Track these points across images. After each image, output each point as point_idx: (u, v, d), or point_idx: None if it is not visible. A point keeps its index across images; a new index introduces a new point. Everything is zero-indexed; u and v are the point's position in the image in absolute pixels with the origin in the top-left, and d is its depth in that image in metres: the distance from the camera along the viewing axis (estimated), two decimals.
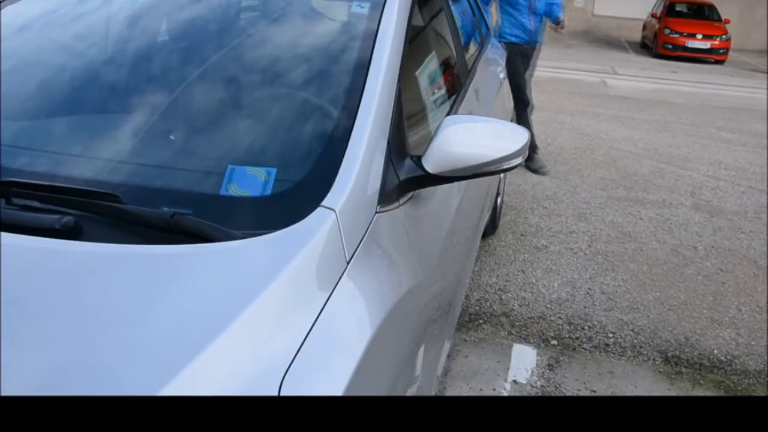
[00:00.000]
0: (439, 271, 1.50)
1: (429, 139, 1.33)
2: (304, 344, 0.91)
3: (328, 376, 0.91)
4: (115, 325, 0.86)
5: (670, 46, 12.64)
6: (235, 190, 1.16)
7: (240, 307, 0.89)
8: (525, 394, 2.29)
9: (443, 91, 2.00)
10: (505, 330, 2.65)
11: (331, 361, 0.94)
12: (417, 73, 1.76)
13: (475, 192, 2.07)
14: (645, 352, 2.55)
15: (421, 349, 1.32)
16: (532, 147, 4.39)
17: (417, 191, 1.39)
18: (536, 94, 6.92)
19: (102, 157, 1.26)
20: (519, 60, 4.48)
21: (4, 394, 0.74)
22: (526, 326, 2.68)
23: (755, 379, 2.43)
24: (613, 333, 2.66)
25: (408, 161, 1.34)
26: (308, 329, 0.94)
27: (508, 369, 2.41)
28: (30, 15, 1.73)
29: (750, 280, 3.17)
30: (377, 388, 1.02)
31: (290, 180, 1.19)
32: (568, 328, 2.68)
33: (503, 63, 3.50)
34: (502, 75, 3.25)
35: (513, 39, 4.47)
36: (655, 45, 13.04)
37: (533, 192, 4.17)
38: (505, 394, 2.28)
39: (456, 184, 1.56)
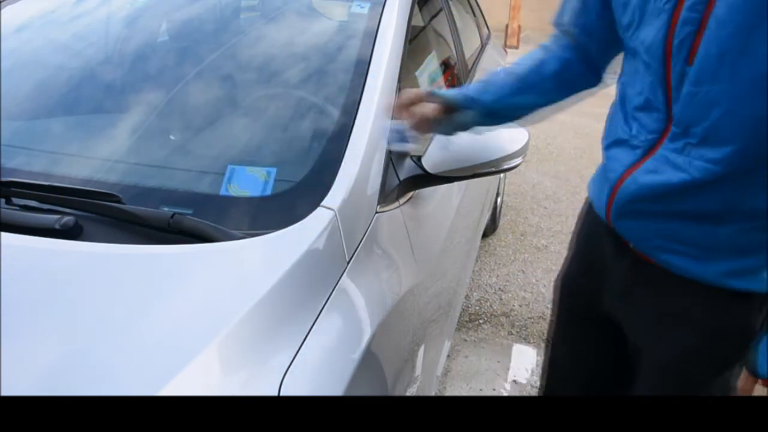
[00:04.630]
0: (439, 271, 1.50)
1: (429, 139, 1.33)
2: (304, 344, 0.91)
3: (328, 376, 0.91)
4: (115, 325, 0.86)
5: None
6: (235, 190, 1.16)
7: (240, 307, 0.89)
8: (525, 394, 2.29)
9: None
10: (505, 330, 2.65)
11: (331, 361, 0.94)
12: (417, 73, 1.76)
13: (475, 192, 2.07)
14: None
15: (421, 349, 1.32)
16: None
17: (417, 191, 1.39)
18: None
19: (102, 157, 1.26)
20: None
21: (4, 394, 0.74)
22: (526, 326, 2.68)
23: None
24: None
25: (408, 161, 1.34)
26: (308, 329, 0.94)
27: (508, 369, 2.41)
28: (30, 15, 1.73)
29: None
30: (377, 388, 1.03)
31: (290, 180, 1.19)
32: None
33: (503, 62, 3.49)
34: None
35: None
36: None
37: (533, 192, 4.16)
38: (505, 394, 2.28)
39: (456, 184, 1.57)
